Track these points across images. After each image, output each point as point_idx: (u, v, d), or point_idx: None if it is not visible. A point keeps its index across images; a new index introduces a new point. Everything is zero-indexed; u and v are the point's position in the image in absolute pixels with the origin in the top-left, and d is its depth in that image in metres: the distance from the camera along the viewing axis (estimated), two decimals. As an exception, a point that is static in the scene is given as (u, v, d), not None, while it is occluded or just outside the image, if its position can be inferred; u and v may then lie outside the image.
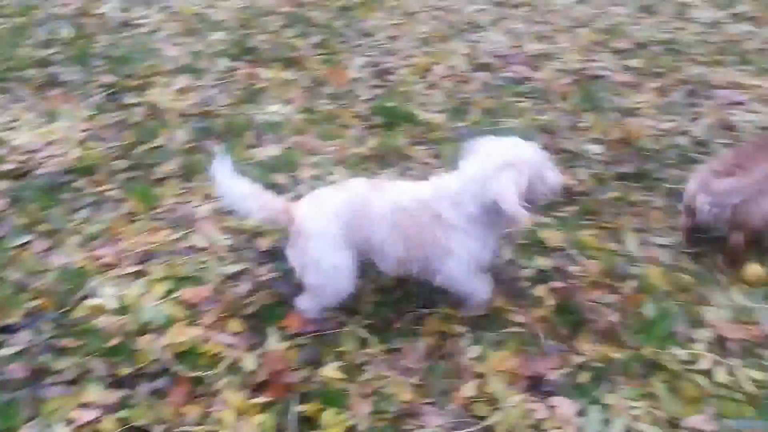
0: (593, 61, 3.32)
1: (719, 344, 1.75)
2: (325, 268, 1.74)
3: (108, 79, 3.07)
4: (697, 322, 1.82)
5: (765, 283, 1.94)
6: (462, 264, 1.74)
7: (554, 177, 1.73)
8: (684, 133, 2.73)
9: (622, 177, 2.47)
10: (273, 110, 2.92)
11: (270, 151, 2.66)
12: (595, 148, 2.65)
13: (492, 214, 1.67)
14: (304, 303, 1.86)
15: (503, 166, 1.62)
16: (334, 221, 1.74)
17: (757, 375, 1.66)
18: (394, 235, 1.73)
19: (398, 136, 2.73)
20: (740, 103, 2.91)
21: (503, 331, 1.83)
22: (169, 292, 1.97)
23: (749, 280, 1.95)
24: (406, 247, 1.73)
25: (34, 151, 2.54)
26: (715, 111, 2.85)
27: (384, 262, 1.80)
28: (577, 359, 1.72)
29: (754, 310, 1.86)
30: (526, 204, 1.61)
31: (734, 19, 3.74)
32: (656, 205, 2.31)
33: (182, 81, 3.11)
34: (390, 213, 1.72)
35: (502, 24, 3.76)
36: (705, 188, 1.93)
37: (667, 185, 2.40)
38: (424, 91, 3.11)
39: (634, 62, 3.28)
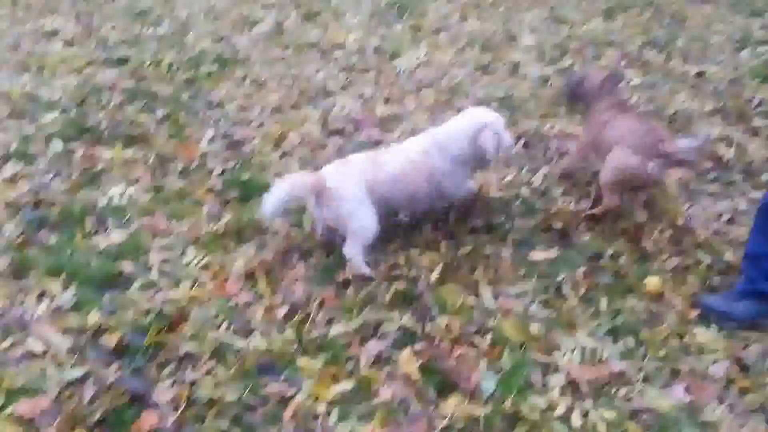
0: (440, 120, 3.50)
1: (572, 388, 1.84)
2: (360, 215, 2.31)
3: None
4: (551, 368, 1.91)
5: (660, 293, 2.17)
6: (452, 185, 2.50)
7: (509, 140, 2.51)
8: (526, 183, 2.94)
9: (473, 230, 2.59)
10: (116, 192, 2.77)
11: (114, 237, 2.51)
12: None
13: (470, 156, 2.46)
14: (350, 250, 2.33)
15: (483, 124, 2.42)
16: (360, 184, 2.34)
17: (609, 414, 1.75)
18: (403, 184, 2.41)
19: (255, 209, 2.68)
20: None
21: (371, 402, 1.81)
22: (1, 408, 1.75)
23: (649, 291, 2.22)
24: (414, 188, 2.42)
25: None
26: (550, 161, 3.10)
27: (400, 205, 2.52)
28: (443, 422, 1.73)
29: (600, 350, 1.99)
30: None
31: (562, 74, 4.14)
32: (505, 255, 2.44)
33: (11, 168, 2.88)
34: (398, 170, 2.40)
35: (352, 89, 3.88)
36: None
37: (514, 236, 2.55)
38: (279, 160, 3.10)
39: (475, 119, 3.50)
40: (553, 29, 4.70)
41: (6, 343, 1.99)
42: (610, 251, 2.46)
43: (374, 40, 4.52)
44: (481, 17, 4.97)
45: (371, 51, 4.38)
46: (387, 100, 3.76)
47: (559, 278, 2.31)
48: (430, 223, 2.61)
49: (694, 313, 2.16)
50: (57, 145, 3.06)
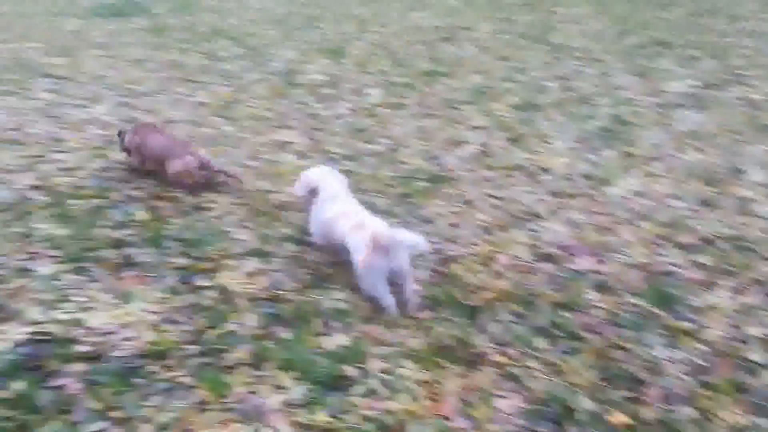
0: (660, 255, 3.47)
1: None
2: None
3: (181, 261, 3.30)
4: None
5: None
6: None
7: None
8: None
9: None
10: (340, 297, 3.07)
11: (338, 339, 2.77)
12: (675, 354, 2.70)
13: None
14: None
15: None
16: None
17: None
18: None
19: (465, 328, 2.83)
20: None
21: None
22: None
23: None
24: None
25: (108, 333, 2.68)
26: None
27: None
28: None
29: None
30: None
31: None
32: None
33: (252, 264, 3.33)
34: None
35: (561, 214, 3.99)
36: None
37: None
38: (489, 280, 3.25)
39: (702, 259, 3.42)
40: (786, 165, 4.50)
41: (246, 429, 2.26)
42: None
43: (583, 166, 4.65)
44: (701, 148, 4.91)
45: (580, 176, 4.49)
46: (599, 228, 3.80)
47: None
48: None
49: None
50: (290, 246, 3.50)
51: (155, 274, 3.17)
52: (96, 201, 3.90)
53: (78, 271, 3.17)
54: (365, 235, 2.91)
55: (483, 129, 5.42)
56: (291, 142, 5.11)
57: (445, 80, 6.74)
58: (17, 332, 2.69)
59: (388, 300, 2.94)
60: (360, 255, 2.93)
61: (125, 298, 2.94)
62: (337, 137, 5.23)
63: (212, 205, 3.96)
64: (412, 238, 2.89)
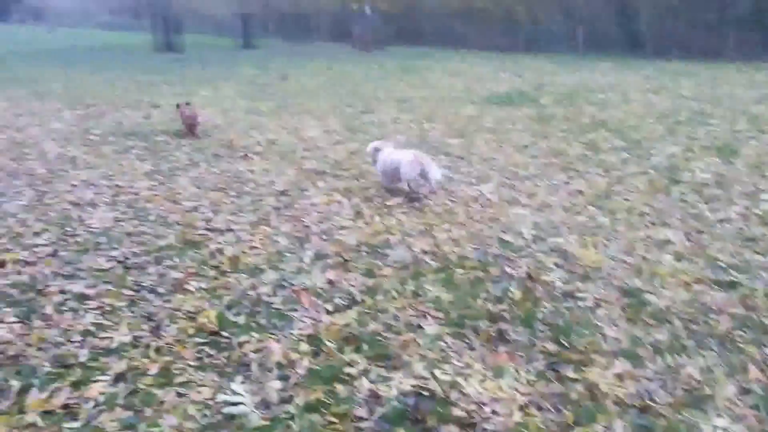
0: None
1: None
2: None
3: (550, 346, 3.36)
4: None
5: None
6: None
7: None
8: None
9: None
10: (720, 424, 2.74)
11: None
12: None
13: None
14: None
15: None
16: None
17: None
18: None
19: None
20: None
21: None
22: None
23: None
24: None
25: (481, 404, 2.86)
26: None
27: None
28: None
29: None
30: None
31: None
32: None
33: (620, 366, 3.21)
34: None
35: None
36: None
37: None
38: None
39: None
40: None
41: None
42: None
43: None
44: None
45: None
46: None
47: None
48: None
49: None
50: (666, 358, 3.27)
51: (526, 355, 3.29)
52: (478, 273, 4.25)
53: (458, 336, 3.47)
54: (411, 160, 5.66)
55: None
56: (669, 242, 4.83)
57: None
58: (403, 382, 3.05)
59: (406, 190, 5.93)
60: (406, 169, 5.70)
61: (498, 372, 3.11)
62: (723, 243, 4.76)
63: (583, 295, 3.96)
64: (434, 169, 5.70)
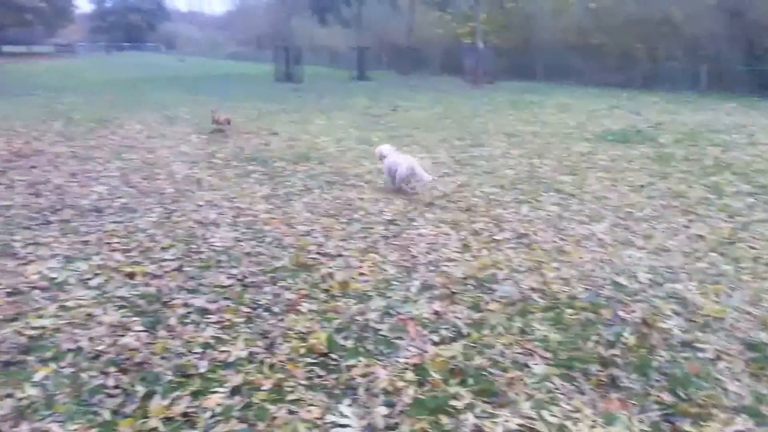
0: None
1: None
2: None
3: (666, 397, 3.20)
4: None
5: None
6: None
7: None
8: None
9: None
10: None
11: None
12: None
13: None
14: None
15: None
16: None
17: None
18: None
19: None
20: None
21: None
22: None
23: None
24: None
25: (591, 451, 2.78)
26: None
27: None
28: None
29: None
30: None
31: None
32: None
33: (742, 423, 3.00)
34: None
35: None
36: None
37: None
38: None
39: None
40: None
41: None
42: None
43: None
44: None
45: None
46: None
47: None
48: None
49: None
50: (795, 417, 3.04)
51: (639, 403, 3.15)
52: (588, 315, 4.14)
53: (567, 378, 3.39)
54: (406, 165, 7.24)
55: None
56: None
57: None
58: (509, 421, 3.01)
59: (403, 187, 7.44)
60: (401, 170, 7.28)
61: (609, 419, 3.00)
62: None
63: (703, 345, 3.75)
64: (422, 172, 7.17)
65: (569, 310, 4.21)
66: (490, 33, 31.66)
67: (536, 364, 3.52)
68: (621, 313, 4.17)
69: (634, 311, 4.20)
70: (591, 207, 6.85)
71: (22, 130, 12.15)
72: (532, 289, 4.57)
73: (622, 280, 4.76)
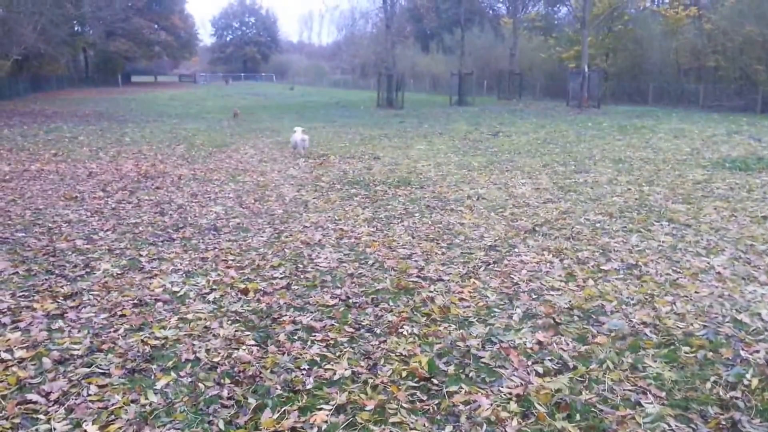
0: None
1: None
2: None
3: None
4: None
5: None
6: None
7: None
8: None
9: None
10: None
11: None
12: None
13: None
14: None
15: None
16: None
17: None
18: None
19: None
20: None
21: None
22: None
23: None
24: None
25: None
26: None
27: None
28: None
29: None
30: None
31: None
32: None
33: None
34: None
35: None
36: None
37: None
38: None
39: None
40: None
41: None
42: None
43: None
44: None
45: None
46: None
47: None
48: None
49: None
50: None
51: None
52: (707, 353, 3.86)
53: (682, 419, 3.16)
54: (297, 136, 13.24)
55: None
56: None
57: None
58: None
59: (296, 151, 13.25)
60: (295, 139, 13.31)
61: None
62: None
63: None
64: (303, 138, 13.32)
65: (685, 348, 3.94)
66: (596, 56, 30.82)
67: (649, 403, 3.32)
68: (743, 353, 3.86)
69: (757, 351, 3.88)
70: (708, 238, 6.43)
71: (149, 153, 13.11)
72: (644, 324, 4.33)
73: (743, 317, 4.41)
